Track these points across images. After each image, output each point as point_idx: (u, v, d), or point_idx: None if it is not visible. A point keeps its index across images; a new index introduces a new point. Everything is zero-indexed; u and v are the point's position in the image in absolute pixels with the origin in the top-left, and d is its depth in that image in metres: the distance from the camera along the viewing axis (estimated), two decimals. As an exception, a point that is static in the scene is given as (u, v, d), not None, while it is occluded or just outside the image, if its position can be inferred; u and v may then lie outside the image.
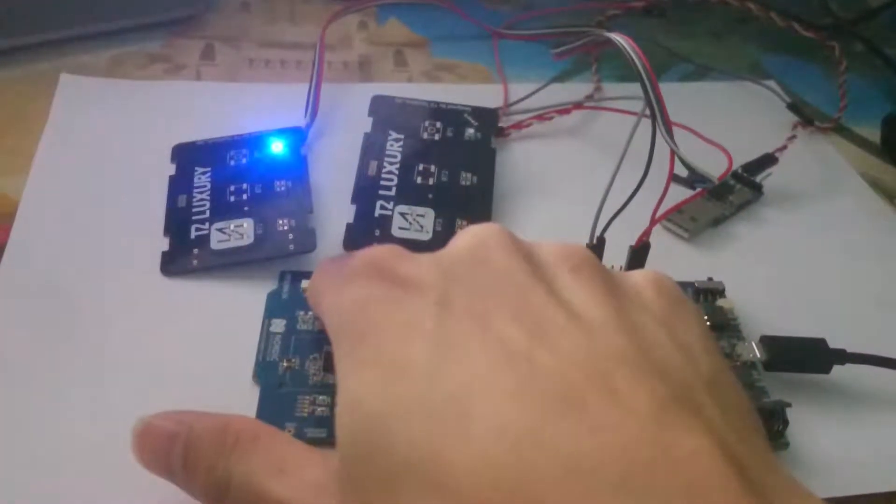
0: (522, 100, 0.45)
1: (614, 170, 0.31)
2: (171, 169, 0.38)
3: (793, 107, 0.46)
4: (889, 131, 0.45)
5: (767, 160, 0.41)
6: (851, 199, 0.42)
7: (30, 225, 0.35)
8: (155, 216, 0.36)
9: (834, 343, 0.32)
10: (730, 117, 0.46)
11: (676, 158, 0.31)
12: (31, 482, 0.26)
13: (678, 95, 0.48)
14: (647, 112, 0.31)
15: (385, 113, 0.41)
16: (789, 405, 0.29)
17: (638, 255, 0.33)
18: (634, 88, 0.31)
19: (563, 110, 0.44)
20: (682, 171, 0.33)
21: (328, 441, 0.28)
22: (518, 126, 0.43)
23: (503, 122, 0.43)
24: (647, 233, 0.32)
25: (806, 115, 0.45)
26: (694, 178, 0.33)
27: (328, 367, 0.30)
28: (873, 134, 0.46)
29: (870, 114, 0.47)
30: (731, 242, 0.38)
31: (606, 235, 0.32)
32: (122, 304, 0.32)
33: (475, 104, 0.43)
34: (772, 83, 0.49)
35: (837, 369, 0.31)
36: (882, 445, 0.30)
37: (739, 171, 0.41)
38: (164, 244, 0.35)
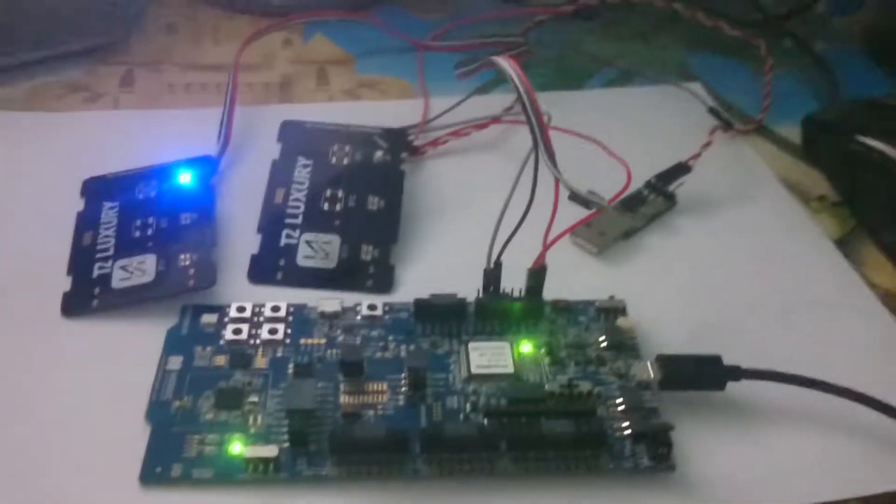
0: (440, 116, 0.44)
1: (506, 200, 0.31)
2: (81, 204, 0.38)
3: (712, 111, 0.46)
4: (808, 132, 0.45)
5: (680, 169, 0.41)
6: (767, 204, 0.42)
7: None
8: (60, 254, 0.36)
9: (736, 357, 0.32)
10: (649, 123, 0.46)
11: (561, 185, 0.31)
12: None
13: (598, 102, 0.48)
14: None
15: (294, 139, 0.41)
16: (672, 427, 0.29)
17: (535, 278, 0.33)
18: (556, 97, 0.31)
19: (481, 125, 0.44)
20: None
21: (214, 481, 0.28)
22: (434, 143, 0.43)
23: (420, 140, 0.43)
24: (541, 257, 0.32)
25: (725, 119, 0.45)
26: (586, 200, 0.33)
27: (220, 403, 0.30)
28: (795, 134, 0.46)
29: (795, 113, 0.47)
30: (641, 255, 0.38)
31: (511, 257, 0.32)
32: (20, 346, 0.32)
33: (394, 121, 0.43)
34: (696, 86, 0.49)
35: (733, 386, 0.31)
36: (777, 461, 0.30)
37: (653, 180, 0.41)
38: (66, 284, 0.35)
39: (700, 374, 0.31)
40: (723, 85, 0.50)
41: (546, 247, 0.32)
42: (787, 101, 0.48)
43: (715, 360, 0.32)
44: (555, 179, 0.30)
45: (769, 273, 0.38)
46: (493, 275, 0.33)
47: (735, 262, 0.38)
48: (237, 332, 0.32)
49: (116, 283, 0.34)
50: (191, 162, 0.39)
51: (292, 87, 0.48)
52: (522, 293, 0.34)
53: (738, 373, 0.31)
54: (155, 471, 0.28)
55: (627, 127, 0.45)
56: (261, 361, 0.32)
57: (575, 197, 0.32)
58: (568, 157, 0.31)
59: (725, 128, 0.45)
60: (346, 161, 0.40)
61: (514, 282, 0.33)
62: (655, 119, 0.47)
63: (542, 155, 0.30)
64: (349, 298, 0.34)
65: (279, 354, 0.32)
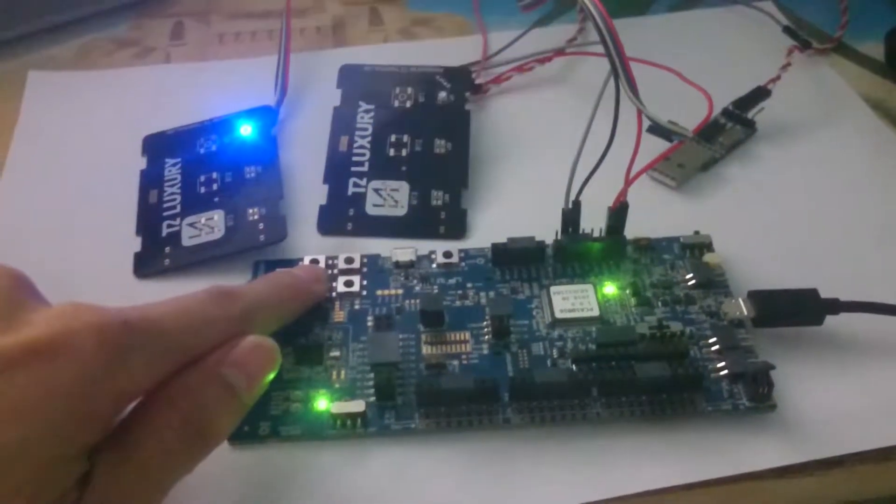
0: (501, 51, 0.43)
1: (583, 135, 0.29)
2: (143, 162, 0.38)
3: (788, 30, 0.43)
4: (893, 47, 0.42)
5: (759, 94, 0.39)
6: (852, 126, 0.39)
7: (2, 229, 0.35)
8: (127, 214, 0.35)
9: (831, 290, 0.30)
10: (721, 48, 0.44)
11: (644, 116, 0.29)
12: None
13: (665, 28, 0.46)
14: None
15: (354, 83, 0.39)
16: (773, 367, 0.27)
17: (617, 216, 0.32)
18: (621, 25, 0.29)
19: (544, 59, 0.42)
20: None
21: (303, 438, 0.27)
22: (497, 80, 0.41)
23: (482, 78, 0.41)
24: (622, 193, 0.31)
25: (802, 38, 0.43)
26: (668, 131, 0.31)
27: (301, 359, 0.30)
28: (878, 51, 0.44)
29: (877, 28, 0.44)
30: (722, 187, 0.37)
31: (589, 196, 0.31)
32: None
33: (453, 60, 0.41)
34: (768, 4, 0.46)
35: (831, 319, 0.30)
36: (877, 397, 0.29)
37: (730, 108, 0.39)
38: (136, 244, 0.34)
39: (797, 309, 0.30)
40: (795, 1, 0.47)
41: (628, 182, 0.30)
42: (867, 15, 0.45)
43: (812, 294, 0.30)
44: (637, 111, 0.29)
45: (859, 199, 0.36)
46: (571, 215, 0.32)
47: (822, 189, 0.36)
48: (312, 285, 0.32)
49: (186, 240, 0.34)
50: (250, 113, 0.38)
51: (345, 29, 0.46)
52: (602, 233, 0.32)
53: (837, 306, 0.30)
54: (243, 430, 0.27)
55: (698, 52, 0.42)
56: (339, 315, 0.31)
57: (655, 129, 0.31)
58: (640, 87, 0.29)
59: (803, 47, 0.43)
60: (408, 104, 0.38)
61: (592, 222, 0.32)
62: (728, 42, 0.44)
63: (622, 85, 0.28)
64: (422, 246, 0.33)
65: (357, 307, 0.31)
